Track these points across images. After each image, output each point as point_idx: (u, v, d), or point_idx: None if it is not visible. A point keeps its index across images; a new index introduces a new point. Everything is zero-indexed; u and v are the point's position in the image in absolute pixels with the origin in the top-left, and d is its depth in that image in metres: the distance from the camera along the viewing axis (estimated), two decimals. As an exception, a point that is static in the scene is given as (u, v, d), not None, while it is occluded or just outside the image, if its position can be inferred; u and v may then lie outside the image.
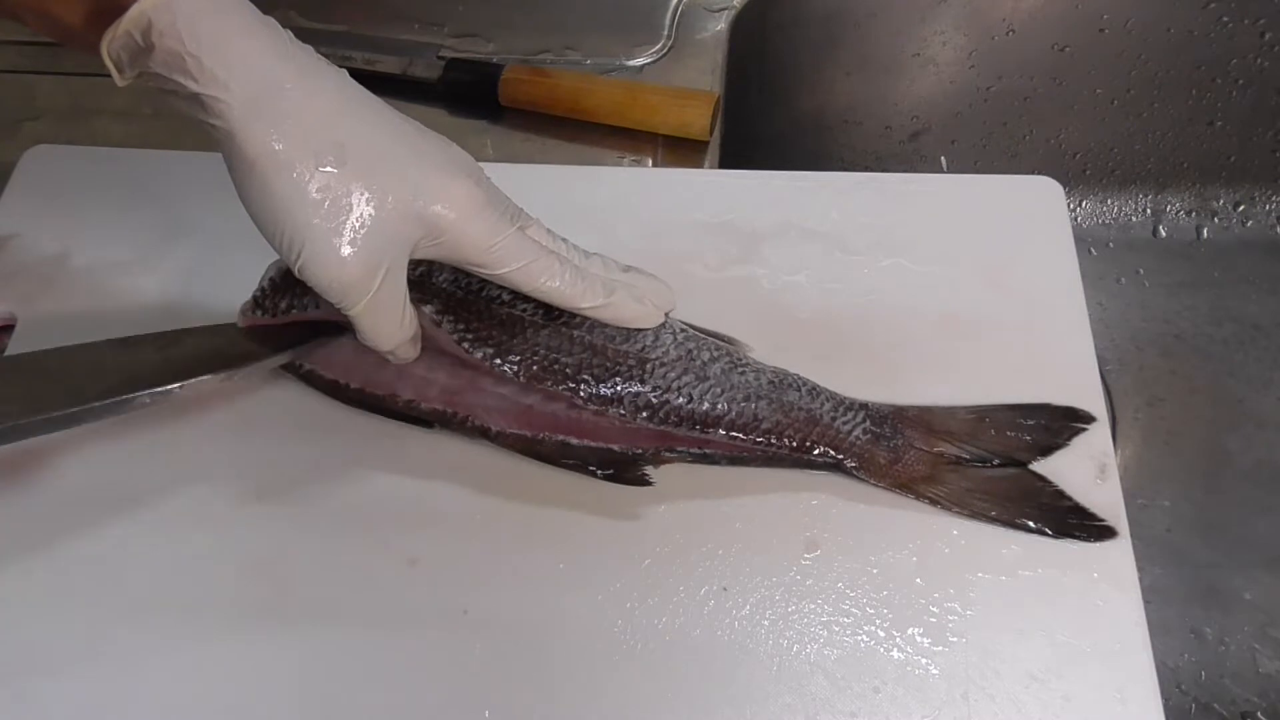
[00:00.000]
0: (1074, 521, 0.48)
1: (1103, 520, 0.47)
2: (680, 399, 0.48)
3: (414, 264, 0.46)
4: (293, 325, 0.50)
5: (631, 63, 0.74)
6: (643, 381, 0.48)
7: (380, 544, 0.49)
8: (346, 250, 0.43)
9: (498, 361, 0.48)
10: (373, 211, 0.43)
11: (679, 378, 0.48)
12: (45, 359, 0.47)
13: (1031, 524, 0.47)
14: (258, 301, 0.50)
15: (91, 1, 0.40)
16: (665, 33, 0.76)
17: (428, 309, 0.48)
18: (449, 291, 0.49)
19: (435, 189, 0.44)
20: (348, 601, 0.47)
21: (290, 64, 0.42)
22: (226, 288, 0.55)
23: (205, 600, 0.47)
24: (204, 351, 0.49)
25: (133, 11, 0.39)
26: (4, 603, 0.47)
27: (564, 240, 0.48)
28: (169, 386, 0.46)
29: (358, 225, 0.43)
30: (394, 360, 0.48)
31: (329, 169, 0.42)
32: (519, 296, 0.48)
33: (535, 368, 0.48)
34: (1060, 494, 0.48)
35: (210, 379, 0.47)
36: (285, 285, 0.50)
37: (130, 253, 0.59)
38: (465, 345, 0.48)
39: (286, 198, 0.42)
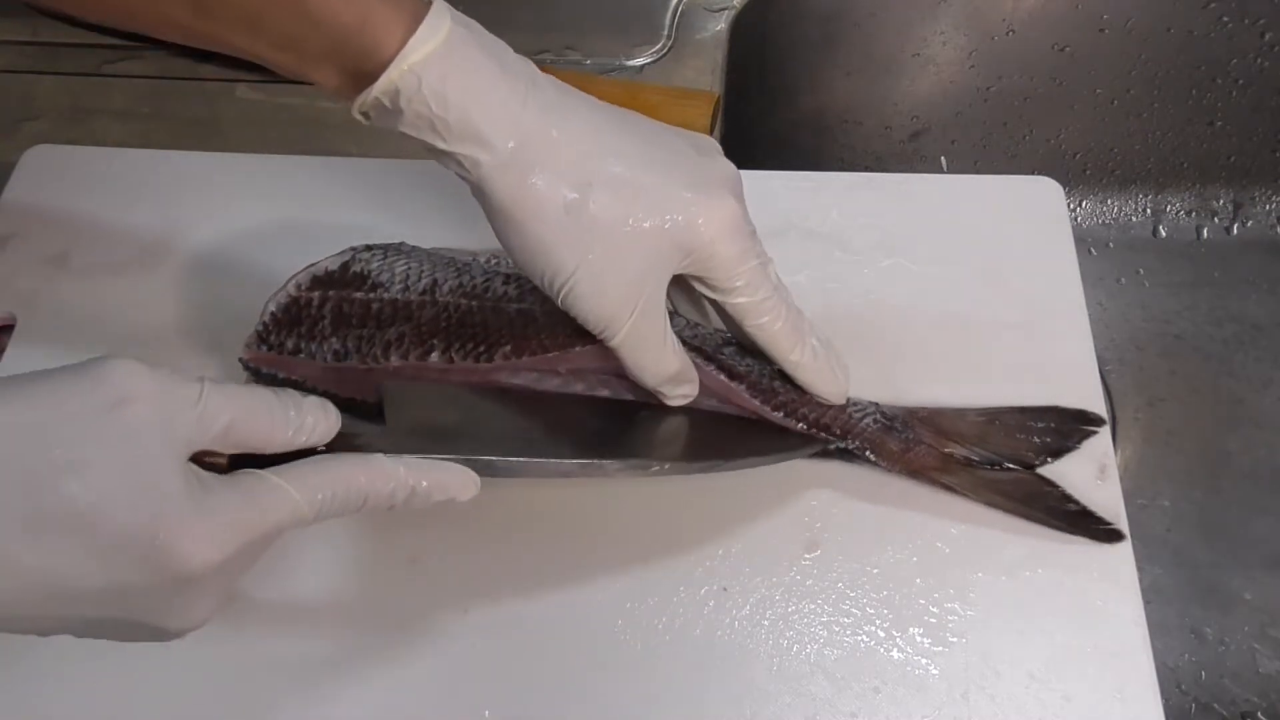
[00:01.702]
0: (1081, 526, 0.48)
1: (1110, 524, 0.47)
2: (714, 340, 0.49)
3: None
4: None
5: (631, 63, 0.74)
6: (681, 323, 0.49)
7: (380, 543, 0.49)
8: (608, 282, 0.43)
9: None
10: (631, 241, 0.43)
11: (702, 329, 0.49)
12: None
13: (1043, 518, 0.48)
14: (262, 337, 0.49)
15: (344, 65, 0.41)
16: (665, 33, 0.76)
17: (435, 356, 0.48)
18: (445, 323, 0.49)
19: (695, 208, 0.43)
20: (348, 601, 0.47)
21: (535, 109, 0.42)
22: (227, 288, 0.55)
23: (205, 600, 0.47)
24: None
25: (382, 81, 0.40)
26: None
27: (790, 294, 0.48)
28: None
29: (617, 256, 0.43)
30: (669, 402, 0.48)
31: (584, 205, 0.42)
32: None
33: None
34: (1067, 497, 0.48)
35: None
36: (289, 321, 0.49)
37: (130, 253, 0.59)
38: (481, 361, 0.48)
39: (541, 242, 0.43)
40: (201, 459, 0.35)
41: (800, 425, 0.49)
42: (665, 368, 0.46)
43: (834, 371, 0.48)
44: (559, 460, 0.44)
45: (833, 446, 0.49)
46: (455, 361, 0.48)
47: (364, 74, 0.41)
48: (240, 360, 0.50)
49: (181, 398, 0.34)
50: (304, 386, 0.49)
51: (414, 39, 0.40)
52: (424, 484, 0.39)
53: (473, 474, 0.41)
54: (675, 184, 0.44)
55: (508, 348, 0.48)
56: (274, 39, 0.40)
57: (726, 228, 0.44)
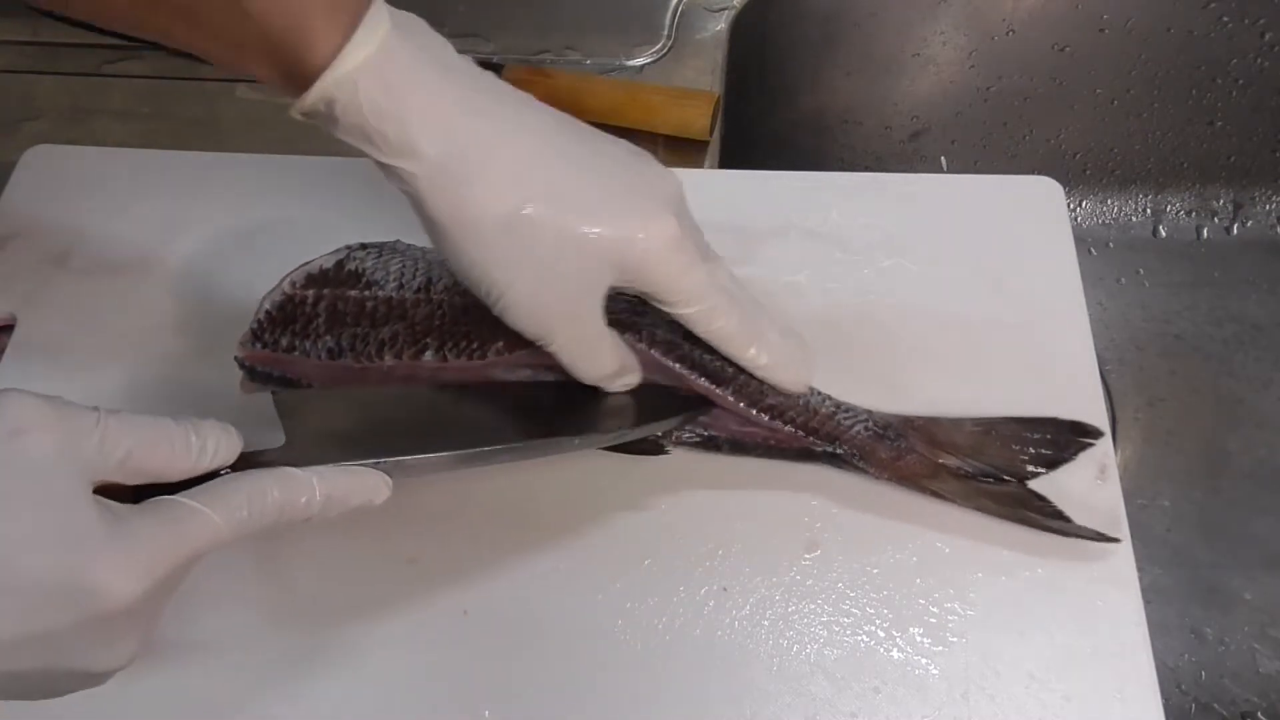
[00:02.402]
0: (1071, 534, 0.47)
1: (1101, 533, 0.47)
2: (695, 350, 0.48)
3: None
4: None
5: (631, 63, 0.74)
6: (659, 328, 0.48)
7: (380, 544, 0.49)
8: (542, 298, 0.43)
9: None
10: (566, 259, 0.43)
11: (689, 338, 0.49)
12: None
13: (1037, 519, 0.47)
14: (256, 335, 0.49)
15: (280, 67, 0.40)
16: (665, 33, 0.76)
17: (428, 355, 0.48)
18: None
19: (633, 227, 0.43)
20: (348, 601, 0.47)
21: (475, 117, 0.41)
22: (227, 288, 0.55)
23: (204, 599, 0.47)
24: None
25: (317, 88, 0.39)
26: None
27: (738, 281, 0.48)
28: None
29: (548, 273, 0.43)
30: (613, 388, 0.48)
31: (520, 222, 0.42)
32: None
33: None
34: (1058, 514, 0.48)
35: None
36: (283, 319, 0.49)
37: (130, 252, 0.59)
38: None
39: (478, 256, 0.42)
40: (104, 491, 0.33)
41: (788, 429, 0.49)
42: (601, 369, 0.46)
43: (793, 364, 0.48)
44: (469, 450, 0.43)
45: (819, 450, 0.49)
46: (449, 359, 0.48)
47: (300, 77, 0.39)
48: (236, 359, 0.50)
49: (78, 426, 0.32)
50: (300, 385, 0.50)
51: (350, 45, 0.38)
52: (337, 491, 0.38)
53: (384, 476, 0.40)
54: (614, 198, 0.43)
55: (500, 344, 0.48)
56: (212, 33, 0.39)
57: (664, 246, 0.43)
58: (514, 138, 0.42)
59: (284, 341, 0.49)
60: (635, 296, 0.46)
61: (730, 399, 0.48)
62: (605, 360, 0.46)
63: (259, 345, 0.49)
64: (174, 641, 0.46)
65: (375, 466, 0.40)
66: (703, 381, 0.48)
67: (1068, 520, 0.48)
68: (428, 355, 0.48)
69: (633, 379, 0.48)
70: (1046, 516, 0.48)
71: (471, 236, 0.42)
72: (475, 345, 0.48)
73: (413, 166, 0.41)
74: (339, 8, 0.39)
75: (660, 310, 0.46)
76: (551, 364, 0.47)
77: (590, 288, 0.44)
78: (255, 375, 0.50)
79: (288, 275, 0.50)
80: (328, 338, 0.48)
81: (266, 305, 0.50)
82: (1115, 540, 0.47)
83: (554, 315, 0.44)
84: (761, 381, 0.48)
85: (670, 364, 0.48)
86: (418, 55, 0.40)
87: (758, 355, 0.47)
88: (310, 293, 0.50)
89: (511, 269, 0.42)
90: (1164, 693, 0.44)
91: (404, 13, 0.41)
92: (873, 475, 0.49)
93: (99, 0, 0.40)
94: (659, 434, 0.50)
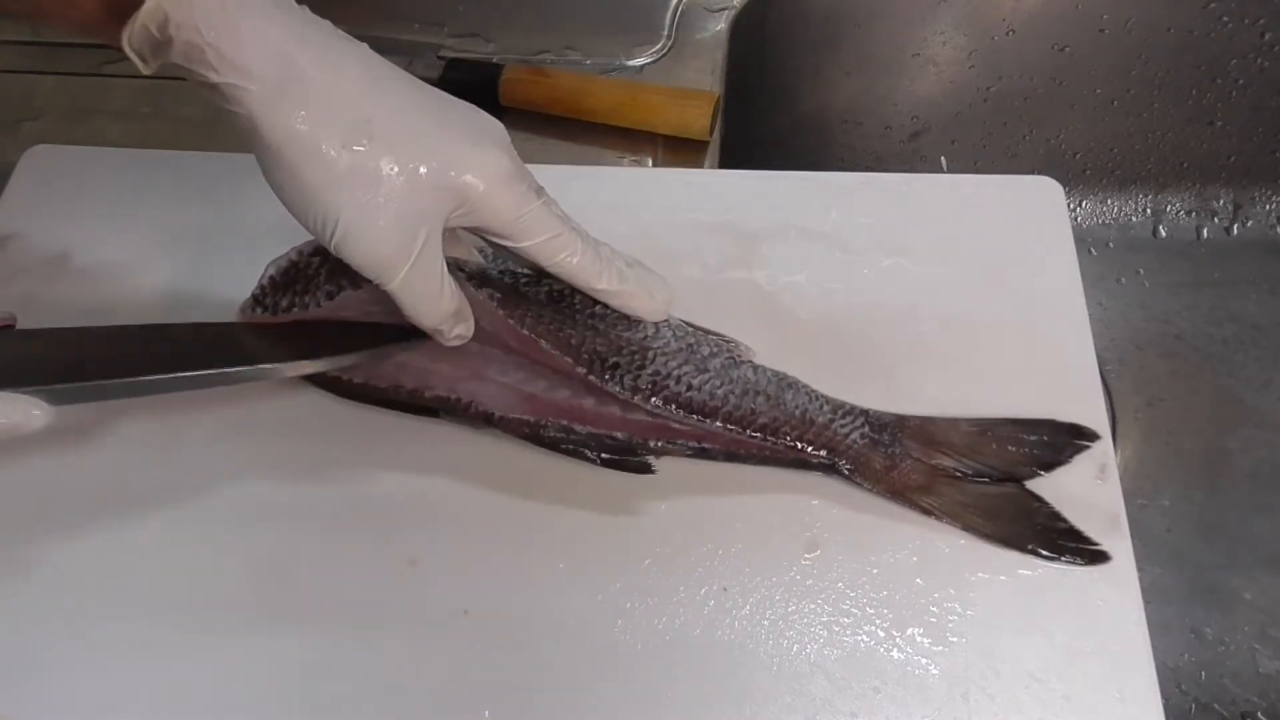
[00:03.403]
0: (1068, 544, 0.47)
1: (1097, 545, 0.47)
2: (680, 386, 0.48)
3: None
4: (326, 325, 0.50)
5: (631, 63, 0.74)
6: (643, 366, 0.48)
7: (380, 544, 0.49)
8: (380, 225, 0.43)
9: (504, 311, 0.48)
10: (404, 185, 0.43)
11: (680, 367, 0.49)
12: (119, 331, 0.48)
13: (1026, 545, 0.47)
14: (257, 300, 0.50)
15: None
16: (665, 33, 0.76)
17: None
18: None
19: (466, 159, 0.44)
20: (348, 601, 0.47)
21: (310, 45, 0.42)
22: (227, 287, 0.55)
23: (205, 599, 0.47)
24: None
25: (149, 5, 0.39)
26: (2, 601, 0.47)
27: (579, 225, 0.49)
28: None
29: (390, 200, 0.43)
30: (445, 342, 0.48)
31: (356, 147, 0.42)
32: (533, 276, 0.49)
33: (540, 328, 0.48)
34: (1056, 515, 0.48)
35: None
36: (285, 283, 0.50)
37: (130, 253, 0.59)
38: (472, 283, 0.49)
39: (315, 179, 0.42)
40: None
41: (783, 443, 0.49)
42: (442, 310, 0.46)
43: (647, 291, 0.49)
44: (128, 380, 0.43)
45: (815, 462, 0.49)
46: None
47: (128, 3, 0.39)
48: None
49: None
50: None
51: None
52: None
53: (36, 402, 0.39)
54: (449, 133, 0.44)
55: (497, 294, 0.48)
56: None
57: (499, 178, 0.44)
58: (348, 68, 0.43)
59: (284, 303, 0.50)
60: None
61: (718, 426, 0.48)
62: (446, 302, 0.46)
63: (259, 310, 0.50)
64: (174, 641, 0.46)
65: (30, 394, 0.40)
66: (694, 419, 0.48)
67: (1066, 522, 0.48)
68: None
69: (466, 330, 0.48)
70: (1045, 520, 0.48)
71: (307, 159, 0.41)
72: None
73: (250, 84, 0.40)
74: None
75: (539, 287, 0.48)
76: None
77: (427, 218, 0.44)
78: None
79: (295, 246, 0.51)
80: (328, 285, 0.50)
81: (271, 271, 0.51)
82: (1104, 554, 0.47)
83: (393, 247, 0.43)
84: (752, 405, 0.48)
85: (654, 410, 0.48)
86: None
87: (610, 285, 0.48)
88: (316, 259, 0.51)
89: (347, 196, 0.42)
90: (1164, 693, 0.44)
91: None
92: (867, 489, 0.49)
93: None
94: (593, 452, 0.49)
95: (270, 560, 0.48)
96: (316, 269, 0.50)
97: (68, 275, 0.58)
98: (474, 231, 0.46)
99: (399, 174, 0.43)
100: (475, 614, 0.47)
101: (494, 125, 0.46)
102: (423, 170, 0.43)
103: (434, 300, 0.46)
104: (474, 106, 0.46)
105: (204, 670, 0.46)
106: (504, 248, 0.47)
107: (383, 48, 0.72)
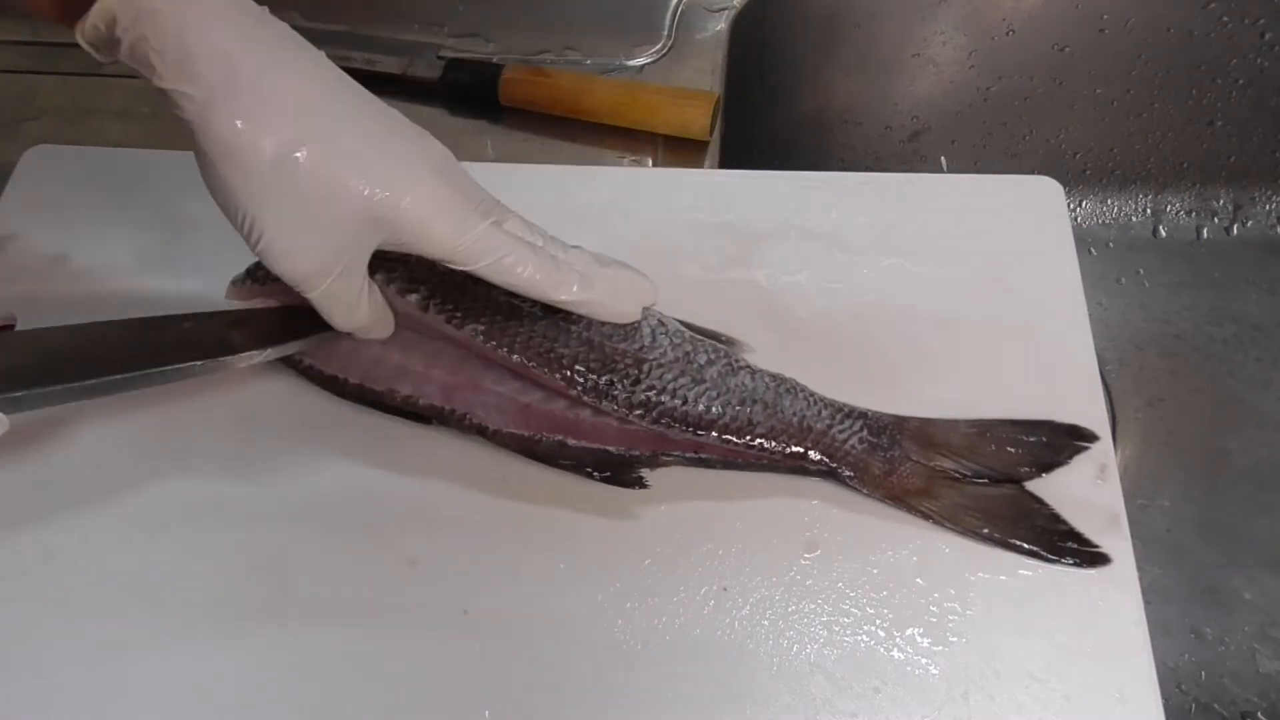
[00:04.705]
0: (1068, 546, 0.47)
1: (1096, 546, 0.47)
2: (675, 400, 0.48)
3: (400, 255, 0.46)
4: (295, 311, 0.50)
5: (631, 63, 0.74)
6: (638, 381, 0.48)
7: (380, 544, 0.49)
8: (301, 242, 0.43)
9: (492, 343, 0.48)
10: (330, 208, 0.43)
11: (675, 379, 0.48)
12: (65, 333, 0.48)
13: (1025, 545, 0.47)
14: (250, 273, 0.51)
15: None
16: (665, 33, 0.76)
17: (413, 297, 0.49)
18: (441, 276, 0.49)
19: (398, 186, 0.43)
20: (348, 601, 0.47)
21: (257, 50, 0.41)
22: (225, 288, 0.55)
23: (205, 599, 0.47)
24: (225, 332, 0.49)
25: (99, 4, 0.39)
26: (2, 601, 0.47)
27: (545, 234, 0.48)
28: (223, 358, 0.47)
29: (314, 220, 0.43)
30: (362, 337, 0.49)
31: (288, 161, 0.42)
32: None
33: (530, 352, 0.48)
34: (1055, 517, 0.48)
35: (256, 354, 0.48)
36: None
37: (130, 253, 0.59)
38: (454, 324, 0.48)
39: (244, 189, 0.42)
40: None
41: (781, 451, 0.48)
42: (355, 321, 0.47)
43: (617, 296, 0.47)
44: (80, 384, 0.44)
45: (814, 468, 0.49)
46: (429, 311, 0.48)
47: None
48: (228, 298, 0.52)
49: None
50: (290, 359, 0.51)
51: None
52: None
53: None
54: (385, 158, 0.43)
55: (481, 327, 0.48)
56: None
57: (433, 207, 0.44)
58: (293, 78, 0.42)
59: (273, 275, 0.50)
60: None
61: (714, 438, 0.48)
62: (360, 316, 0.47)
63: (249, 281, 0.51)
64: (174, 641, 0.46)
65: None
66: (690, 434, 0.48)
67: (1065, 524, 0.48)
68: (412, 298, 0.49)
69: (383, 331, 0.49)
70: (1044, 522, 0.48)
71: (239, 169, 0.42)
72: (459, 314, 0.48)
73: (191, 89, 0.40)
74: None
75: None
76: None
77: (357, 241, 0.44)
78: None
79: None
80: None
81: None
82: (1104, 556, 0.47)
83: (313, 264, 0.44)
84: (749, 415, 0.48)
85: (650, 427, 0.48)
86: None
87: (571, 297, 0.46)
88: None
89: (274, 208, 0.42)
90: (1164, 693, 0.44)
91: None
92: (866, 495, 0.49)
93: None
94: (589, 467, 0.49)
95: (270, 560, 0.48)
96: None
97: (68, 275, 0.58)
98: (420, 255, 0.45)
99: (326, 196, 0.42)
100: (475, 614, 0.47)
101: (436, 151, 0.45)
102: (355, 198, 0.43)
103: (348, 312, 0.46)
104: (420, 130, 0.46)
105: (204, 671, 0.46)
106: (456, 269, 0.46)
107: (383, 48, 0.73)
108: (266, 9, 0.43)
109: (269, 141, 0.41)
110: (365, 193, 0.43)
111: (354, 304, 0.46)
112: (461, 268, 0.45)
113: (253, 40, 0.41)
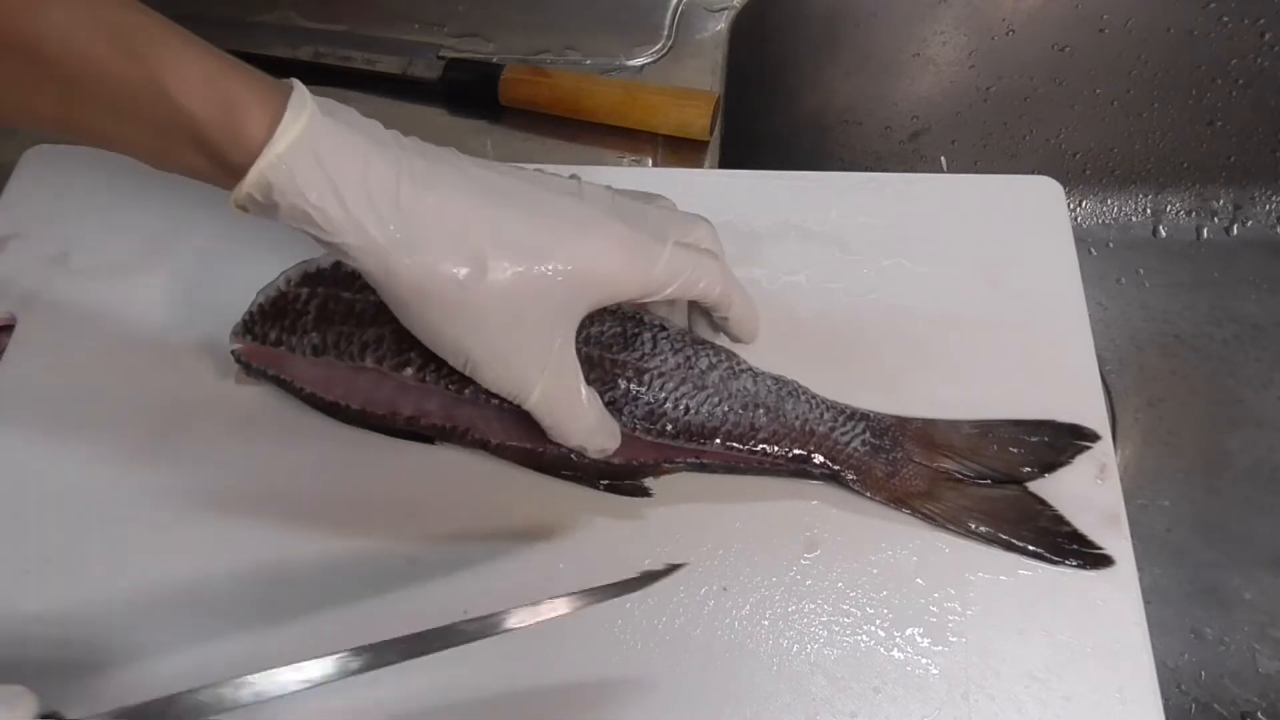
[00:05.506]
0: (1071, 547, 0.47)
1: (1100, 549, 0.47)
2: (677, 411, 0.48)
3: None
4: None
5: (631, 63, 0.74)
6: (640, 394, 0.48)
7: (380, 544, 0.49)
8: (510, 348, 0.43)
9: None
10: (528, 302, 0.42)
11: (676, 388, 0.48)
12: None
13: (1029, 547, 0.47)
14: (247, 326, 0.50)
15: (212, 155, 0.39)
16: (665, 33, 0.76)
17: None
18: None
19: (582, 257, 0.43)
20: (348, 601, 0.47)
21: (412, 185, 0.41)
22: (226, 288, 0.55)
23: (205, 600, 0.47)
24: None
25: (252, 175, 0.39)
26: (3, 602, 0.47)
27: (711, 248, 0.48)
28: None
29: (516, 322, 0.42)
30: (594, 449, 0.47)
31: (476, 282, 0.41)
32: None
33: None
34: (1059, 518, 0.48)
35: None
36: (274, 313, 0.50)
37: (130, 253, 0.59)
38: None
39: (435, 326, 0.42)
40: None
41: (784, 455, 0.48)
42: (584, 423, 0.46)
43: (752, 319, 0.50)
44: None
45: (816, 473, 0.49)
46: (427, 381, 0.48)
47: (233, 166, 0.39)
48: (233, 353, 0.51)
49: None
50: (292, 387, 0.50)
51: (280, 126, 0.38)
52: None
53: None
54: (562, 234, 0.43)
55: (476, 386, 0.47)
56: (141, 126, 0.39)
57: (622, 258, 0.44)
58: (457, 196, 0.42)
59: (272, 335, 0.49)
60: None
61: (718, 445, 0.48)
62: (584, 411, 0.46)
63: (249, 337, 0.50)
64: (175, 641, 0.46)
65: None
66: (694, 443, 0.48)
67: (1068, 525, 0.48)
68: (408, 371, 0.48)
69: (612, 442, 0.47)
70: (1048, 523, 0.48)
71: (429, 305, 0.42)
72: (456, 378, 0.47)
73: (358, 241, 0.40)
74: (265, 90, 0.39)
75: (626, 358, 0.48)
76: (519, 431, 0.48)
77: (560, 325, 0.44)
78: (251, 371, 0.51)
79: (285, 272, 0.51)
80: (314, 334, 0.49)
81: (260, 299, 0.51)
82: (1107, 557, 0.47)
83: (525, 365, 0.43)
84: (751, 420, 0.48)
85: (655, 440, 0.48)
86: (347, 131, 0.40)
87: (728, 312, 0.48)
88: (304, 290, 0.50)
89: (475, 328, 0.42)
90: (1164, 693, 0.44)
91: (324, 98, 0.41)
92: (868, 498, 0.49)
93: (27, 106, 0.39)
94: (591, 477, 0.49)
95: (269, 560, 0.48)
96: (304, 303, 0.50)
97: (68, 275, 0.58)
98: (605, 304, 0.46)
99: (523, 293, 0.42)
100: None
101: (597, 202, 0.45)
102: (546, 280, 0.42)
103: (572, 411, 0.45)
104: (572, 186, 0.45)
105: (204, 671, 0.46)
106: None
107: (383, 48, 0.73)
108: (379, 123, 0.43)
109: (446, 269, 0.41)
110: (553, 271, 0.42)
111: (575, 400, 0.45)
112: (650, 299, 0.46)
113: (406, 172, 0.41)
